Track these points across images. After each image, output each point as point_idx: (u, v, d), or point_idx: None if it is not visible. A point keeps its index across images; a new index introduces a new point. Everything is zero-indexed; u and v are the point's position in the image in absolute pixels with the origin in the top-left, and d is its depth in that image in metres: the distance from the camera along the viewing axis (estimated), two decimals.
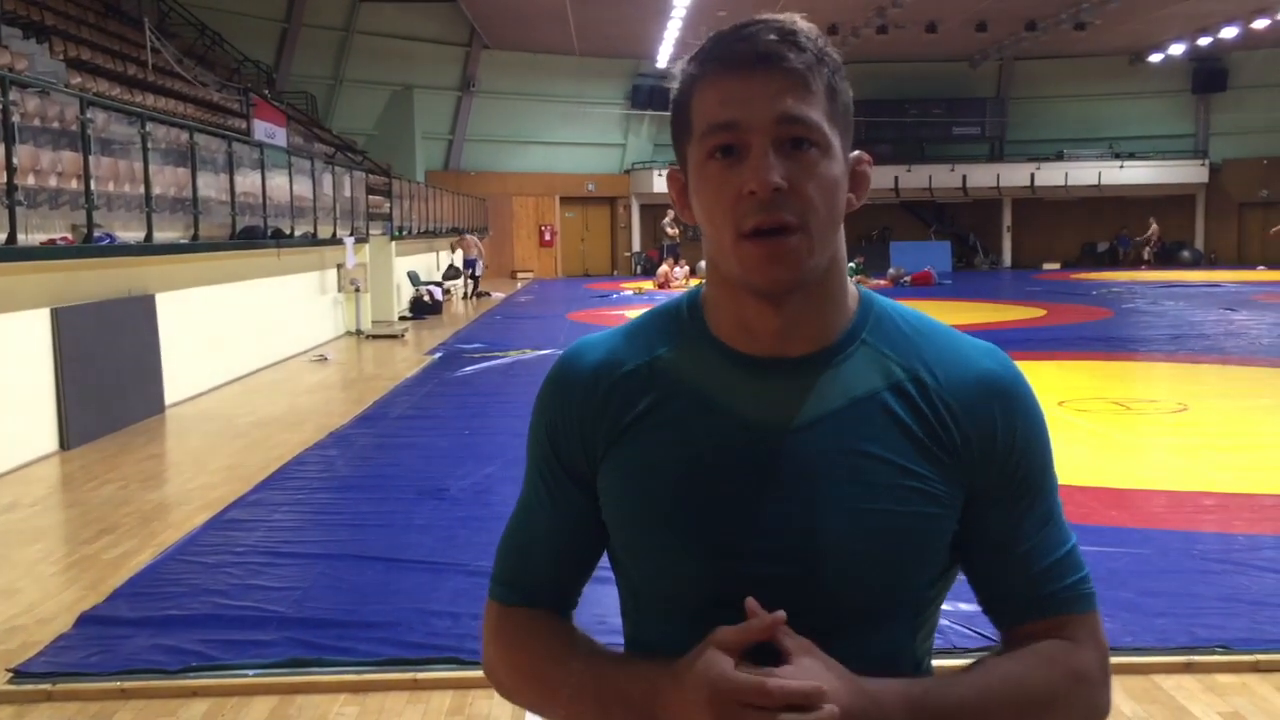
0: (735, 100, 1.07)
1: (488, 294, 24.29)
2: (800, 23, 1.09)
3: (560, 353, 1.27)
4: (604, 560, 1.26)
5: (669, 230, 28.80)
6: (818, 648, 1.04)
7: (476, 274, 24.70)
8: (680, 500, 1.13)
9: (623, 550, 1.19)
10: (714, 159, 1.09)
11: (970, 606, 3.97)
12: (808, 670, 1.02)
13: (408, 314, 19.83)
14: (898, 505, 1.09)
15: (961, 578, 1.22)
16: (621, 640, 1.25)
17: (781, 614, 1.04)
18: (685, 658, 1.06)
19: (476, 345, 14.52)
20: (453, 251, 25.63)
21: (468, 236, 25.48)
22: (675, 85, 1.14)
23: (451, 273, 24.86)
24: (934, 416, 1.12)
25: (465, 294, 24.51)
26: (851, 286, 1.18)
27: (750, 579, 1.09)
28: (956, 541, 1.15)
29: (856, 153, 1.14)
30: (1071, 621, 1.14)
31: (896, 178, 33.52)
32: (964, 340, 1.18)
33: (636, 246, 34.75)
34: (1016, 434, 1.13)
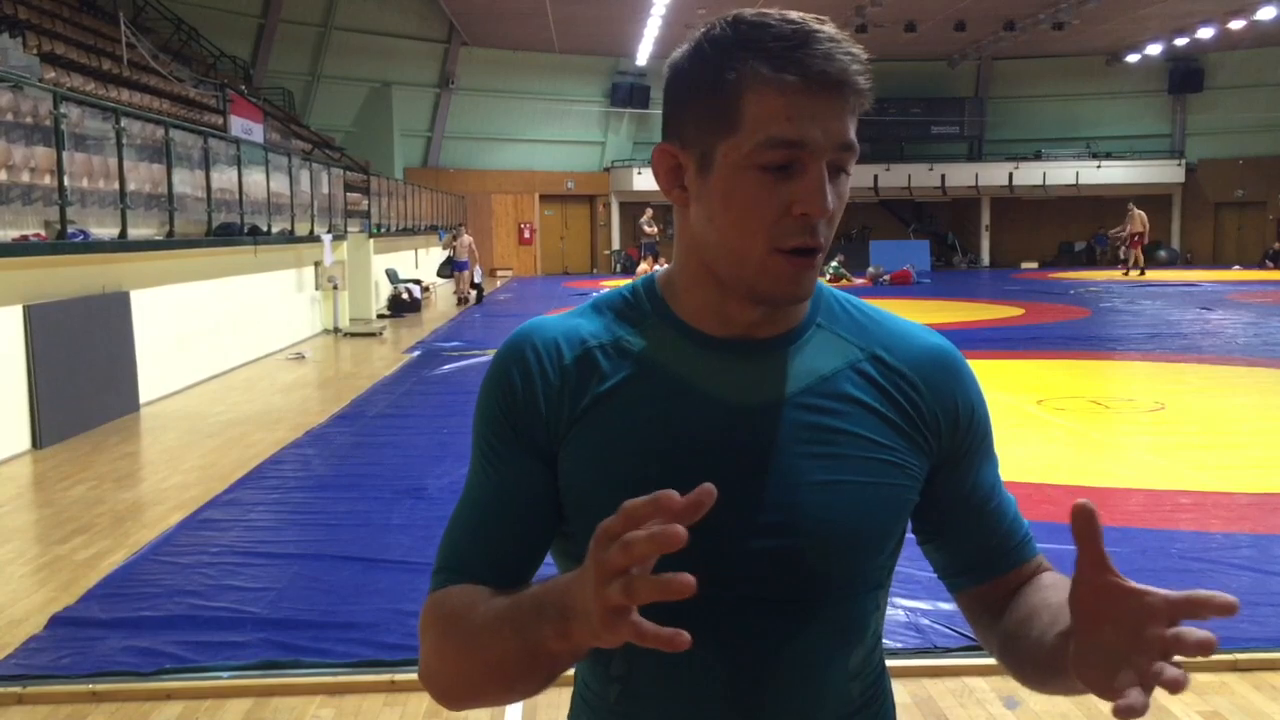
0: (805, 118, 1.04)
1: (469, 299, 23.70)
2: (851, 39, 1.08)
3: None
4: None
5: (646, 229, 28.69)
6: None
7: (476, 280, 23.36)
8: (660, 478, 1.08)
9: (586, 533, 1.15)
10: (763, 170, 1.05)
11: (951, 606, 4.00)
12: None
13: (386, 312, 19.74)
14: (869, 478, 1.12)
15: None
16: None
17: (710, 488, 0.88)
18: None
19: (455, 343, 14.47)
20: (446, 249, 25.08)
21: (464, 237, 24.08)
22: (709, 64, 1.07)
23: (445, 270, 24.30)
24: (897, 391, 1.15)
25: (462, 297, 23.19)
26: None
27: (729, 555, 1.10)
28: (916, 511, 1.19)
29: None
30: (1041, 562, 1.23)
31: (875, 176, 33.59)
32: (907, 322, 1.23)
33: (616, 244, 34.70)
34: (973, 402, 1.20)
